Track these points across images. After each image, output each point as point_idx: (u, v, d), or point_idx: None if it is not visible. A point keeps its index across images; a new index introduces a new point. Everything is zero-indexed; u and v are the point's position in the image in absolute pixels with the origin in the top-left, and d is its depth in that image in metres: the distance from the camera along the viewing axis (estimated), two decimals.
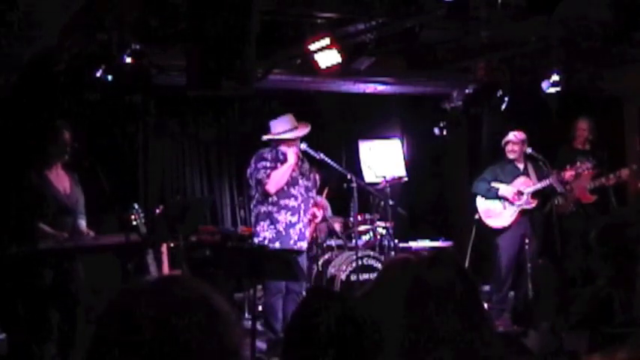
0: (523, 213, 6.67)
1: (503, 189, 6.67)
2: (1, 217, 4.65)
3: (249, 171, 5.87)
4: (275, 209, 5.75)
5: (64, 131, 4.84)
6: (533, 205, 6.66)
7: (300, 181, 5.91)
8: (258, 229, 5.81)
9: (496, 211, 6.73)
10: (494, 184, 6.72)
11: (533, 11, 5.24)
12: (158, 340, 1.08)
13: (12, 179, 4.76)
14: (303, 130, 5.87)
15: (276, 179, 5.71)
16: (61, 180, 4.90)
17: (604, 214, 6.61)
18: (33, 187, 4.73)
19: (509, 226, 6.68)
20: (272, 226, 5.74)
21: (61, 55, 5.47)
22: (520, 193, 6.64)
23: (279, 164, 5.77)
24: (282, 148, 5.81)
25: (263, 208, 5.78)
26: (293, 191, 5.83)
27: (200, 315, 1.13)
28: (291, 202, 5.80)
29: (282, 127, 5.85)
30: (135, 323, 1.10)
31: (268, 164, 5.76)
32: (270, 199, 5.76)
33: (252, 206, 5.97)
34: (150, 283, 1.24)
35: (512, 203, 6.64)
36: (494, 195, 6.69)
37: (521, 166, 6.79)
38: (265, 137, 5.88)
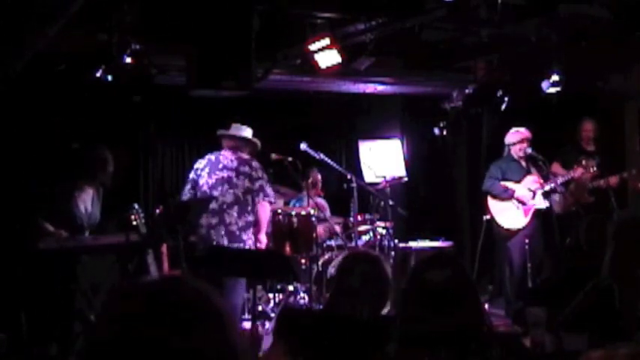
0: (534, 214, 6.63)
1: (520, 190, 6.61)
2: (3, 218, 4.66)
3: (259, 176, 5.66)
4: None
5: (110, 161, 5.16)
6: (546, 204, 6.61)
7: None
8: (245, 237, 5.55)
9: (509, 212, 6.65)
10: (509, 185, 6.67)
11: (533, 11, 5.24)
12: (157, 341, 1.08)
13: (10, 180, 4.77)
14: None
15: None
16: (86, 197, 5.03)
17: (605, 215, 6.61)
18: (59, 203, 4.87)
19: (522, 228, 6.62)
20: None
21: (61, 55, 5.47)
22: (534, 194, 6.60)
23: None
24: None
25: (250, 218, 5.63)
26: None
27: (200, 315, 1.13)
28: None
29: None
30: (133, 324, 1.10)
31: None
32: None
33: (243, 214, 5.61)
34: (149, 283, 1.24)
35: (525, 204, 6.61)
36: (510, 196, 6.64)
37: (524, 164, 6.77)
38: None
